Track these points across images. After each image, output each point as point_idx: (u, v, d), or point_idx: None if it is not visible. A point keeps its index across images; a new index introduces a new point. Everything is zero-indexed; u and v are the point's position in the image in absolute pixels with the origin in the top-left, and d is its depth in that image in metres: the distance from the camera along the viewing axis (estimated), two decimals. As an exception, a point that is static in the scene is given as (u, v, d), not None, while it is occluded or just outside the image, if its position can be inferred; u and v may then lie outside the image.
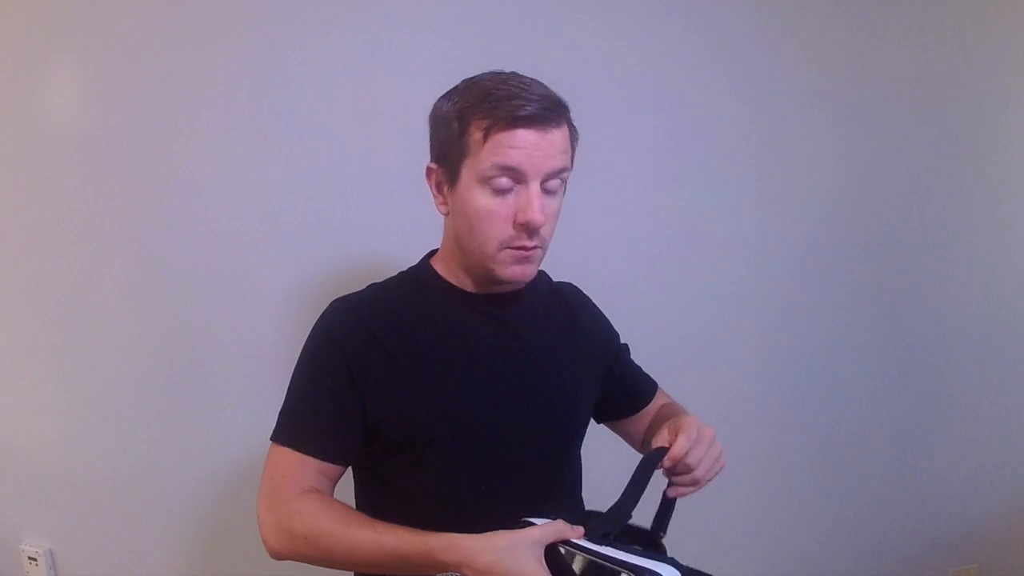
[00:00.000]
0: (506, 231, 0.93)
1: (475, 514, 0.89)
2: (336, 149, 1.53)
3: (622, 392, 1.21)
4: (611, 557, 0.81)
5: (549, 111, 0.92)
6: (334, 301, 1.03)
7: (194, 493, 1.63)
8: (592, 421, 1.18)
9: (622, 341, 1.24)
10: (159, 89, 1.51)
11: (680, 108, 1.69)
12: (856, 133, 1.81)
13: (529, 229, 0.92)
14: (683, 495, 0.94)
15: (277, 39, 1.51)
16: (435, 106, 0.99)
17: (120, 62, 1.51)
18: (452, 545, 0.84)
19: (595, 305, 1.21)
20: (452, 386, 0.99)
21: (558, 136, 0.93)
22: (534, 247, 0.95)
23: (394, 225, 1.50)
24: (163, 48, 1.50)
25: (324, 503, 0.94)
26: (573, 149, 0.98)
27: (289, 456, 0.97)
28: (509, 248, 0.94)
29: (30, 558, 1.68)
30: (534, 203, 0.91)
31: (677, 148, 1.71)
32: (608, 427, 1.25)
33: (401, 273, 1.09)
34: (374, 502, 1.06)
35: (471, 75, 0.98)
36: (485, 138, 0.90)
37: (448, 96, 0.97)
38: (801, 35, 1.75)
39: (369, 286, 1.07)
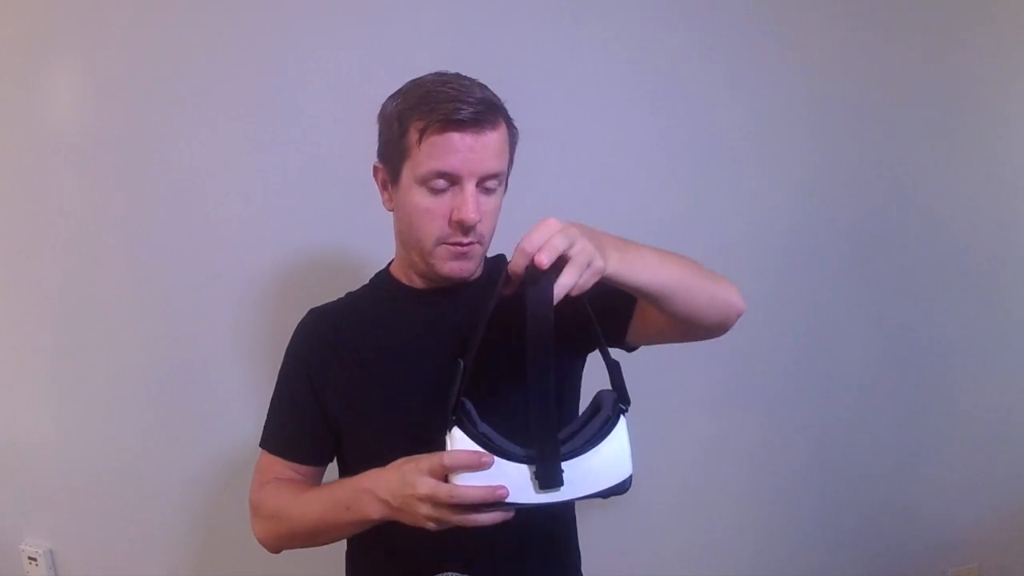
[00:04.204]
0: (442, 228, 0.97)
1: None
2: (336, 149, 1.52)
3: (609, 296, 0.99)
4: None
5: (483, 114, 0.93)
6: (308, 312, 1.11)
7: (194, 493, 1.64)
8: None
9: None
10: (157, 90, 1.51)
11: (673, 104, 1.69)
12: (851, 128, 1.81)
13: (464, 227, 0.96)
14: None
15: (275, 40, 1.51)
16: (383, 105, 1.01)
17: (118, 63, 1.52)
18: (368, 474, 0.93)
19: None
20: (397, 383, 1.04)
21: (493, 138, 0.95)
22: (470, 243, 0.98)
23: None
24: (162, 49, 1.50)
25: (284, 483, 1.06)
26: (512, 148, 1.01)
27: (267, 458, 1.10)
28: (446, 244, 0.98)
29: (30, 558, 1.69)
30: (468, 203, 0.94)
31: (670, 144, 1.71)
32: (642, 340, 1.10)
33: (371, 279, 1.15)
34: None
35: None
36: (420, 141, 0.93)
37: (394, 96, 1.00)
38: (795, 28, 1.74)
39: (345, 295, 1.14)
